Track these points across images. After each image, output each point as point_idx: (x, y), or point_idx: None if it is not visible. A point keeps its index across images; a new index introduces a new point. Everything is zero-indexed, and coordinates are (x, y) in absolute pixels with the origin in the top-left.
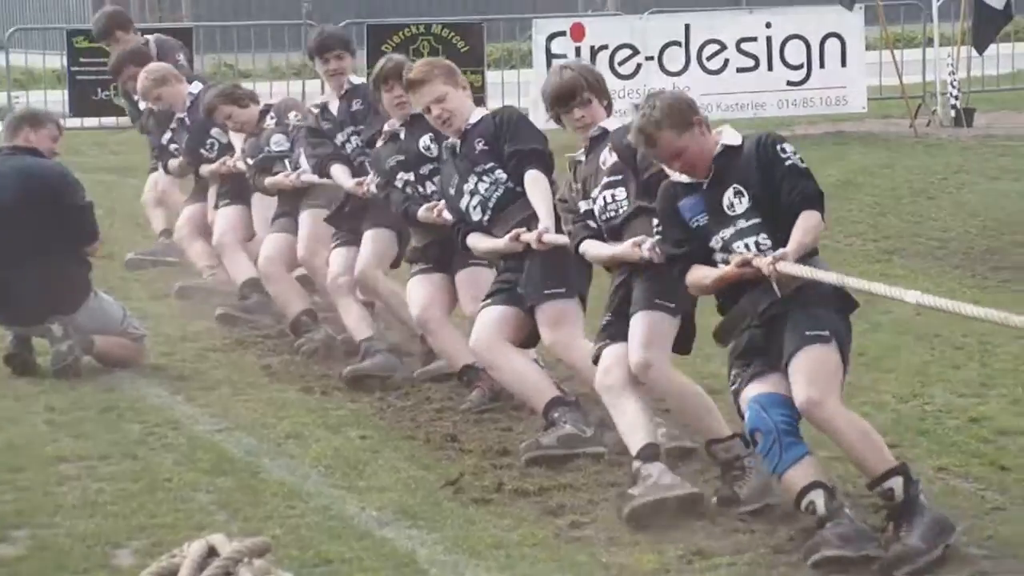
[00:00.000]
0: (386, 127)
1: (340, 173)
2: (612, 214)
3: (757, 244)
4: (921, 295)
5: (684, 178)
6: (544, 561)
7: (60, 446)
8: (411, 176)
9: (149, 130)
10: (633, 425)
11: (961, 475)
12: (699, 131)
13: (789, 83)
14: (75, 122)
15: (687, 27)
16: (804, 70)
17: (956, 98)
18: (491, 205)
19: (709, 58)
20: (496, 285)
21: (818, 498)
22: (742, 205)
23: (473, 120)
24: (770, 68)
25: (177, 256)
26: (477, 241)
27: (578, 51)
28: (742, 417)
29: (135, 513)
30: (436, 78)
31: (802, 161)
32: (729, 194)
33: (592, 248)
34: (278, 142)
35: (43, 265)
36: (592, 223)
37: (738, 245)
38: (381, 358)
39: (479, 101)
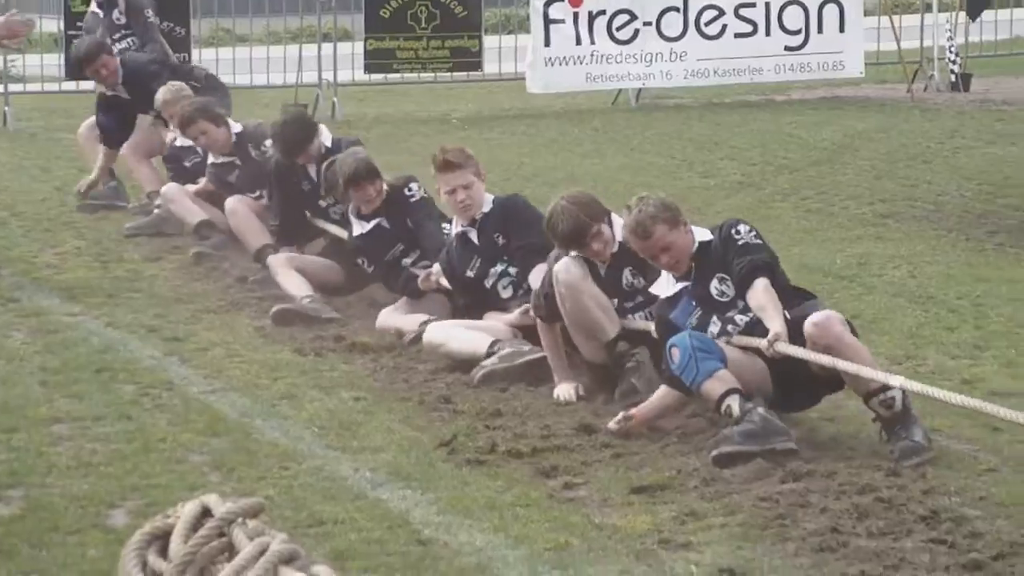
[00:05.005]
0: (353, 216)
1: None
2: None
3: (751, 317)
4: (905, 380)
5: (668, 290)
6: (537, 522)
7: (54, 407)
8: (415, 255)
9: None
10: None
11: (954, 436)
12: (684, 230)
13: (787, 48)
14: (70, 85)
15: None
16: (802, 35)
17: (955, 63)
18: (524, 286)
19: (707, 23)
20: None
21: (733, 402)
22: (731, 290)
23: (486, 209)
24: (768, 33)
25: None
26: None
27: (576, 16)
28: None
29: (129, 474)
30: (468, 167)
31: (757, 237)
32: (715, 284)
33: None
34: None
35: None
36: None
37: (740, 319)
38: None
39: (475, 66)
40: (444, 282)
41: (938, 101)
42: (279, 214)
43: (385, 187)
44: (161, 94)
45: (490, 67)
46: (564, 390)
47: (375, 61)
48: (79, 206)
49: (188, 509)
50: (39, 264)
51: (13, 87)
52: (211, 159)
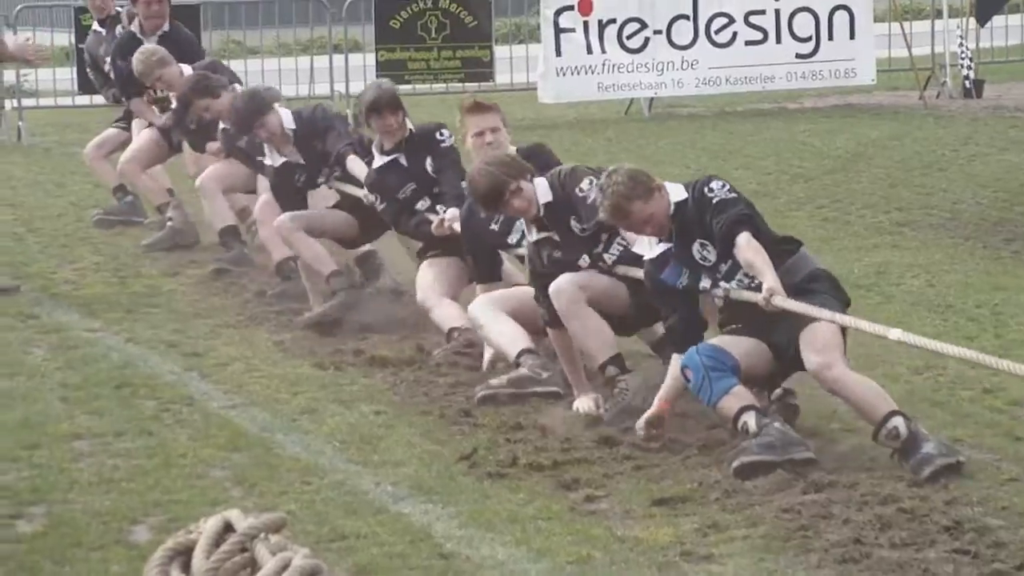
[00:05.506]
0: (376, 151)
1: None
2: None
3: (742, 276)
4: (903, 333)
5: (652, 251)
6: (559, 535)
7: (75, 423)
8: (428, 201)
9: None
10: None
11: (975, 446)
12: (660, 195)
13: (798, 56)
14: (84, 99)
15: (695, 0)
16: (813, 43)
17: (970, 69)
18: None
19: (718, 31)
20: None
21: (750, 418)
22: (713, 254)
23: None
24: (779, 41)
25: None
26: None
27: (586, 25)
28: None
29: (151, 489)
30: (498, 111)
31: (730, 191)
32: (696, 248)
33: None
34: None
35: None
36: None
37: (725, 284)
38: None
39: (487, 76)
40: (457, 227)
41: (951, 108)
42: None
43: (409, 124)
44: (135, 66)
45: (502, 77)
46: (584, 403)
47: (387, 72)
48: (95, 221)
49: (210, 524)
50: (58, 280)
51: (26, 102)
52: (222, 125)
